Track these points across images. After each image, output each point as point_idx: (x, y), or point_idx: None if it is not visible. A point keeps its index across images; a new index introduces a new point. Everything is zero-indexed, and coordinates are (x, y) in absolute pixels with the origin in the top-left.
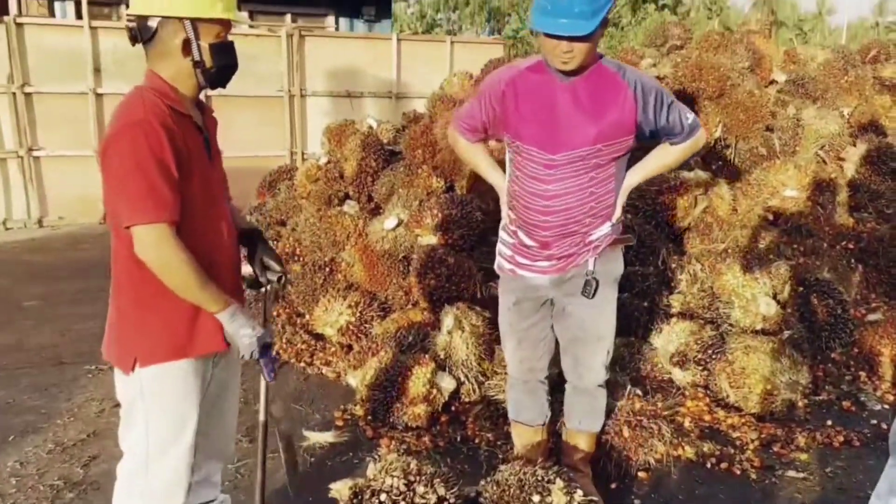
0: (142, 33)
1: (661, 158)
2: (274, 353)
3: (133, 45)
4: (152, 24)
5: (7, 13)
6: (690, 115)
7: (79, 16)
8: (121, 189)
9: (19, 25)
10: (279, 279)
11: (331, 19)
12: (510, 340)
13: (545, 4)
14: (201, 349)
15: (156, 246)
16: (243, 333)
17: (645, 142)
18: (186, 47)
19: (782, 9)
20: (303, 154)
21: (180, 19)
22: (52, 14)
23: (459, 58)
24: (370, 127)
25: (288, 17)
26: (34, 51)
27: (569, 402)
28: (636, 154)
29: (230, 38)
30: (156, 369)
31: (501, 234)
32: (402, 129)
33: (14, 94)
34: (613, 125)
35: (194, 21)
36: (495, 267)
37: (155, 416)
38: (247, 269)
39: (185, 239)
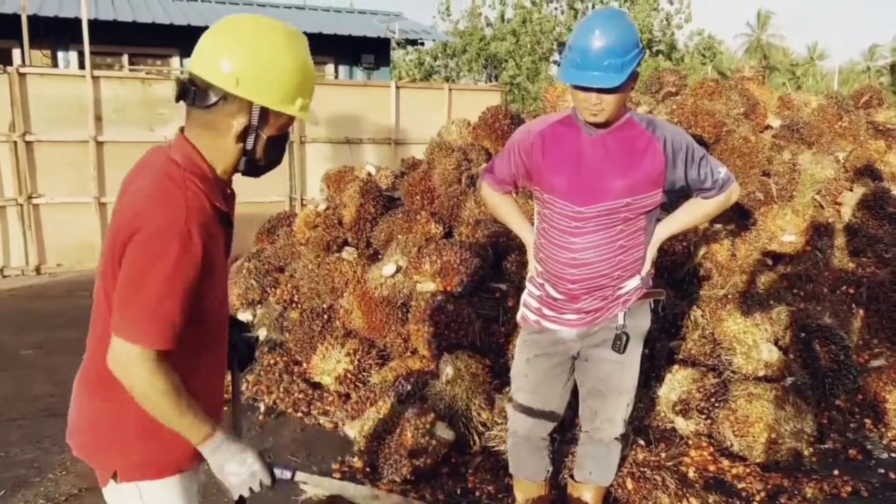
0: (196, 98)
1: (692, 213)
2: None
3: (177, 101)
4: (214, 94)
5: (11, 63)
6: (722, 170)
7: (81, 66)
8: (132, 290)
9: (22, 75)
10: (251, 358)
11: (330, 67)
12: (522, 393)
13: (575, 58)
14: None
15: (134, 369)
16: (229, 471)
17: (675, 197)
18: (244, 133)
19: (774, 54)
20: (302, 200)
21: (251, 102)
22: (55, 64)
23: (457, 104)
24: (369, 173)
25: None
26: (36, 100)
27: (581, 452)
28: (667, 206)
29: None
30: (156, 484)
31: (528, 285)
32: (401, 175)
33: (15, 142)
34: (642, 179)
35: (265, 110)
36: (518, 318)
37: None
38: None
39: (191, 357)
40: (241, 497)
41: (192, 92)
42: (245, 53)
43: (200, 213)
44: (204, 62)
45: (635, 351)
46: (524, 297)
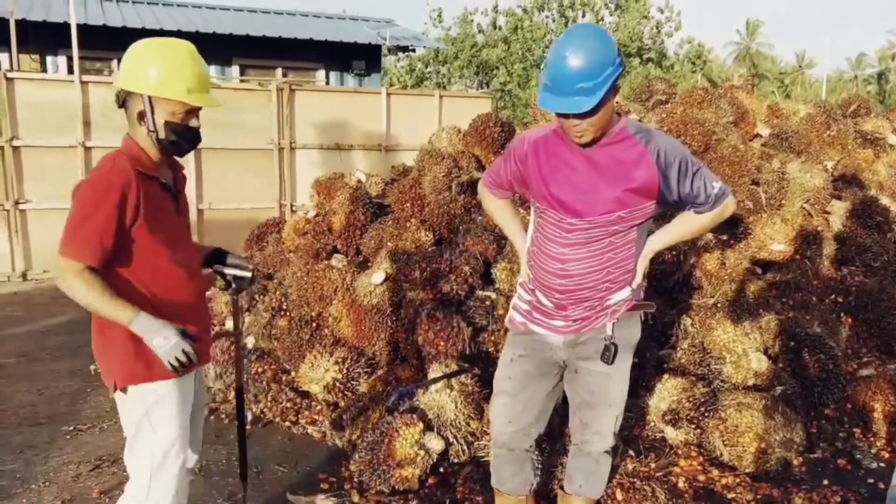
0: (118, 100)
1: (685, 226)
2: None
3: (119, 108)
4: (121, 96)
5: None
6: (717, 184)
7: (70, 70)
8: (68, 222)
9: (10, 80)
10: (250, 280)
11: (321, 73)
12: (503, 396)
13: (547, 83)
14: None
15: (65, 279)
16: (155, 344)
17: (669, 209)
18: (142, 118)
19: (763, 62)
20: (292, 206)
21: (141, 95)
22: (44, 68)
23: (448, 111)
24: (359, 180)
25: (279, 70)
26: (24, 105)
27: (572, 464)
28: (659, 218)
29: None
30: (154, 386)
31: (519, 289)
32: (391, 182)
33: (2, 147)
34: (634, 192)
35: (150, 98)
36: (506, 321)
37: (160, 429)
38: (230, 271)
39: (152, 279)
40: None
41: (116, 98)
42: (130, 61)
43: (122, 174)
44: (116, 76)
45: (624, 362)
46: (514, 300)
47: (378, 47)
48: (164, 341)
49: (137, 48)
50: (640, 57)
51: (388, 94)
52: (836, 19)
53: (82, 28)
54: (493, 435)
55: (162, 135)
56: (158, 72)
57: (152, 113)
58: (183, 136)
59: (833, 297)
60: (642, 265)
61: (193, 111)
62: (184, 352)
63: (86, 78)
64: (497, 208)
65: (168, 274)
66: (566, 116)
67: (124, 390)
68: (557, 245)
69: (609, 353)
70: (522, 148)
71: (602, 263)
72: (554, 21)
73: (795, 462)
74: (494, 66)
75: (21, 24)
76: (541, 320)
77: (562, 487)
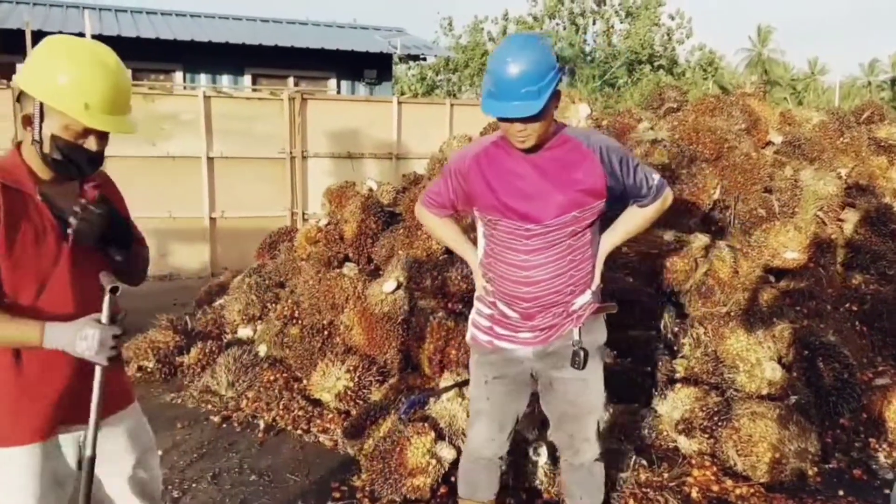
0: (13, 94)
1: (631, 221)
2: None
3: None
4: (16, 91)
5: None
6: (656, 176)
7: None
8: None
9: None
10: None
11: (333, 82)
12: (483, 416)
13: (491, 88)
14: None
15: None
16: (80, 350)
17: (614, 205)
18: (28, 123)
19: (775, 69)
20: (303, 214)
21: (34, 98)
22: None
23: (459, 119)
24: (370, 189)
25: (291, 79)
26: None
27: (567, 480)
28: (606, 222)
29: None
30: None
31: (477, 304)
32: (403, 190)
33: None
34: (584, 191)
35: (43, 105)
36: (468, 339)
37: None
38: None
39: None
40: None
41: (14, 93)
42: (35, 55)
43: None
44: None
45: (596, 366)
46: (473, 316)
47: (389, 56)
48: (87, 341)
49: (48, 43)
50: (651, 64)
51: (399, 103)
52: (848, 25)
53: (97, 38)
54: (468, 450)
55: (46, 149)
56: (59, 76)
57: (40, 121)
58: (70, 156)
59: (848, 305)
60: (599, 267)
61: (95, 132)
62: (114, 338)
63: None
64: (440, 226)
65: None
66: (510, 121)
67: None
68: (518, 253)
69: (579, 359)
70: (464, 164)
71: (564, 267)
72: (564, 29)
73: (810, 472)
74: None
75: (37, 34)
76: (506, 335)
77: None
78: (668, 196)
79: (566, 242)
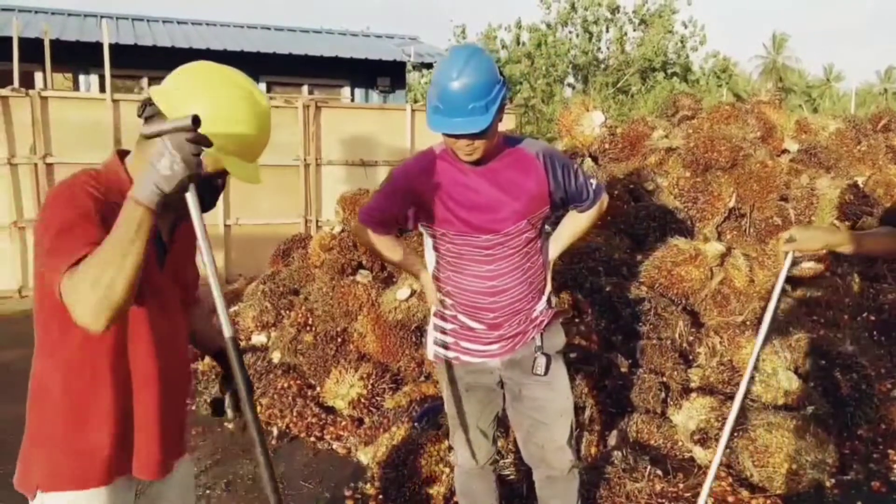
0: (140, 109)
1: (573, 227)
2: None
3: (139, 116)
4: (147, 103)
5: (33, 86)
6: (594, 181)
7: (102, 88)
8: (38, 249)
9: (44, 99)
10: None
11: (346, 90)
12: (468, 431)
13: (437, 104)
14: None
15: (63, 290)
16: (162, 167)
17: (557, 211)
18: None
19: (790, 76)
20: (317, 222)
21: None
22: (76, 86)
23: None
24: None
25: (305, 87)
26: (57, 123)
27: (544, 495)
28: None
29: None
30: (61, 497)
31: (435, 320)
32: None
33: (36, 164)
34: (533, 198)
35: None
36: (430, 356)
37: None
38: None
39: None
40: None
41: (142, 108)
42: (184, 77)
43: (86, 189)
44: (163, 89)
45: (561, 370)
46: (432, 333)
47: (402, 64)
48: (168, 156)
49: (201, 69)
50: (665, 72)
51: (413, 111)
52: (863, 31)
53: (113, 47)
54: (458, 464)
55: None
56: (203, 109)
57: None
58: (209, 192)
59: (865, 314)
60: (549, 272)
61: (227, 173)
62: (191, 142)
63: (117, 96)
64: (385, 243)
65: (138, 344)
66: (457, 137)
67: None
68: (481, 264)
69: (541, 364)
70: (407, 182)
71: (525, 273)
72: (578, 36)
73: (828, 484)
74: (518, 82)
75: (55, 43)
76: (472, 350)
77: None
78: (605, 200)
79: (523, 250)
